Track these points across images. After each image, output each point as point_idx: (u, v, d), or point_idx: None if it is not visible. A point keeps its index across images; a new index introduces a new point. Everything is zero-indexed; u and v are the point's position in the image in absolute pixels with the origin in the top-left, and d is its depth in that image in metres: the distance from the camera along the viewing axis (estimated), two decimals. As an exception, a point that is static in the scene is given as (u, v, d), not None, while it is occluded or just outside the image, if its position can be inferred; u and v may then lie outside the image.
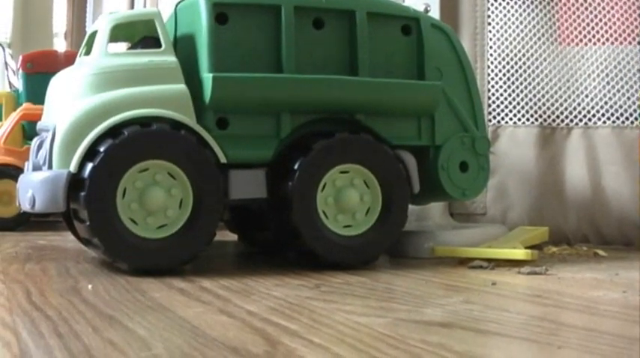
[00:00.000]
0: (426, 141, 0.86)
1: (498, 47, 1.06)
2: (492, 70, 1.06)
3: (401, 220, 0.83)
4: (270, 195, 0.80)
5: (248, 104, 0.79)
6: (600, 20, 1.03)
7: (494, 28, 1.07)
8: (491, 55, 1.06)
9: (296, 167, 0.79)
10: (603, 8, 1.03)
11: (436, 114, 0.86)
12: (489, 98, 1.07)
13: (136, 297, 0.63)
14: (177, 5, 0.84)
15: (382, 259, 0.91)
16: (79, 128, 0.75)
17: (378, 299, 0.63)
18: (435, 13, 1.05)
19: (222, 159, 0.77)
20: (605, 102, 1.02)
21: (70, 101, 0.77)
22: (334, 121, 0.83)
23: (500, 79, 1.06)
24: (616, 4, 1.03)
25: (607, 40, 1.03)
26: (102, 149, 0.73)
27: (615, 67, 1.02)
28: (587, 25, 1.04)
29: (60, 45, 3.06)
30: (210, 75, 0.77)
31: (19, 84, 1.68)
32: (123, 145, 0.74)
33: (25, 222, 1.35)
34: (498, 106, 1.06)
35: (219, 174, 0.77)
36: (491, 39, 1.07)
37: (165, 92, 0.77)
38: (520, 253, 0.82)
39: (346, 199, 0.81)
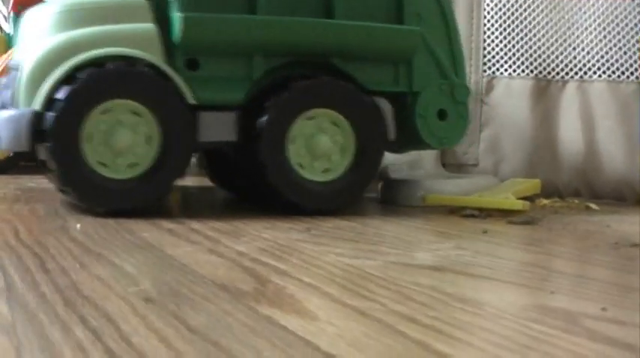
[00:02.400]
0: (404, 87, 0.85)
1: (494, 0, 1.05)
2: (489, 20, 1.05)
3: (375, 164, 0.82)
4: (240, 139, 0.78)
5: (219, 45, 0.77)
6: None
7: (491, -21, 1.05)
8: (487, 5, 1.05)
9: (267, 105, 0.78)
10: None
11: (414, 60, 0.84)
12: (485, 48, 1.05)
13: (124, 236, 0.63)
14: None
15: (374, 206, 0.91)
16: (42, 68, 0.74)
17: (368, 243, 0.63)
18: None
19: (191, 100, 0.76)
20: (602, 56, 1.01)
21: (37, 39, 0.76)
22: (310, 65, 0.81)
23: (497, 29, 1.05)
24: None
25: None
26: (60, 96, 0.72)
27: (613, 20, 1.01)
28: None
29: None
30: (180, 14, 0.75)
31: (9, 28, 1.66)
32: (80, 90, 0.72)
33: (14, 165, 1.34)
34: (494, 57, 1.05)
35: (187, 112, 0.75)
36: (487, -10, 1.05)
37: (132, 31, 0.76)
38: (512, 203, 0.82)
39: (318, 144, 0.79)
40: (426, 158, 1.04)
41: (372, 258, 0.56)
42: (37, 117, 0.72)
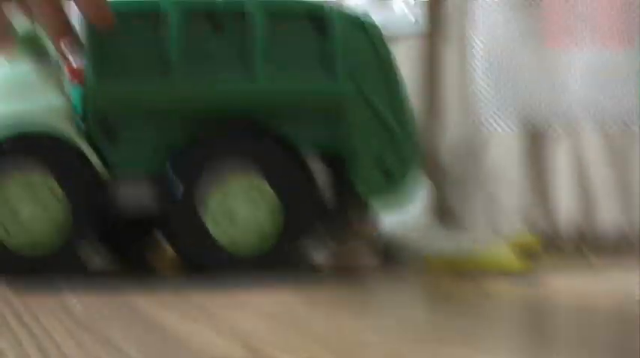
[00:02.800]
0: (340, 146, 0.80)
1: (485, 52, 1.05)
2: (479, 75, 1.05)
3: (301, 243, 0.78)
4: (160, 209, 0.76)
5: (131, 113, 0.76)
6: (587, 23, 1.03)
7: (480, 33, 1.06)
8: (478, 60, 1.05)
9: (189, 169, 0.76)
10: (589, 10, 1.03)
11: (352, 116, 0.80)
12: (477, 104, 1.06)
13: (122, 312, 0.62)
14: None
15: (374, 267, 0.90)
16: None
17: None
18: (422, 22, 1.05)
19: (104, 174, 0.75)
20: (595, 106, 1.01)
21: None
22: (236, 127, 0.78)
23: (488, 84, 1.05)
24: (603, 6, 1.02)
25: (594, 43, 1.03)
26: None
27: (605, 70, 1.01)
28: (574, 27, 1.03)
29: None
30: (89, 85, 0.75)
31: None
32: None
33: None
34: (486, 112, 1.05)
35: (98, 188, 0.74)
36: (477, 43, 1.06)
37: (42, 104, 0.75)
38: (515, 264, 0.81)
39: (237, 214, 0.76)
40: (417, 215, 1.03)
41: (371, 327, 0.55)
42: None
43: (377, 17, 1.04)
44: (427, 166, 1.05)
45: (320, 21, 0.80)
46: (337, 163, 0.80)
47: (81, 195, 0.73)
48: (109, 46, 0.76)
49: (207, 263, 0.75)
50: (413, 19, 1.05)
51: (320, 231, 0.80)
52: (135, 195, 0.75)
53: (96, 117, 0.75)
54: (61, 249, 0.73)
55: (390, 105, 0.81)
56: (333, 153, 0.80)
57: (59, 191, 0.73)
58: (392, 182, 0.81)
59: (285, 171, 0.77)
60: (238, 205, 0.76)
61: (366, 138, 0.80)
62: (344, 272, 0.89)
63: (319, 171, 0.79)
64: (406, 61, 1.06)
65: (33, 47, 0.80)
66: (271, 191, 0.76)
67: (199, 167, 0.75)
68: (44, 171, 0.73)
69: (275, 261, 0.77)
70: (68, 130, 0.74)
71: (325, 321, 0.58)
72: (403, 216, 0.98)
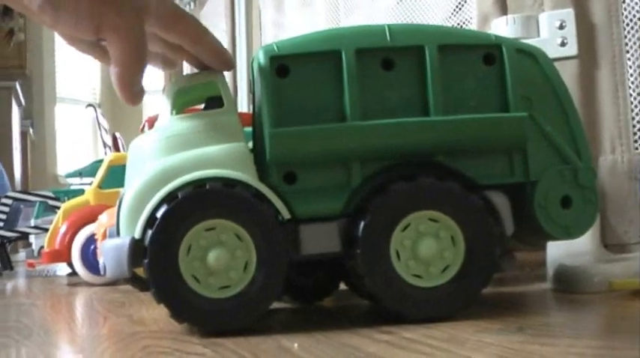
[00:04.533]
0: (519, 177, 0.79)
1: (639, 74, 1.05)
2: (635, 98, 1.05)
3: (483, 278, 0.77)
4: (344, 249, 0.77)
5: (310, 157, 0.77)
6: None
7: (632, 55, 1.06)
8: (632, 82, 1.05)
9: (369, 208, 0.76)
10: None
11: (529, 147, 0.79)
12: (634, 126, 1.05)
13: (354, 354, 0.63)
14: (252, 59, 0.82)
15: (551, 296, 0.90)
16: (141, 195, 0.76)
17: (595, 339, 0.63)
18: (572, 45, 1.05)
19: (286, 215, 0.76)
20: None
21: (140, 167, 0.79)
22: (413, 165, 0.79)
23: (642, 106, 1.05)
24: None
25: None
26: (158, 215, 0.75)
27: None
28: None
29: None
30: (268, 131, 0.76)
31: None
32: (177, 209, 0.75)
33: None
34: (644, 134, 1.05)
35: (280, 230, 0.76)
36: (630, 66, 1.05)
37: (222, 151, 0.77)
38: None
39: (423, 248, 0.76)
40: (586, 242, 1.03)
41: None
42: (137, 245, 0.75)
43: (525, 41, 1.06)
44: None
45: (491, 49, 0.80)
46: (518, 193, 0.80)
47: (265, 237, 0.75)
48: (292, 90, 0.78)
49: (391, 299, 0.75)
50: (560, 42, 1.05)
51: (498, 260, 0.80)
52: (318, 234, 0.77)
53: (274, 161, 0.77)
54: (246, 292, 0.75)
55: (567, 133, 0.81)
56: (513, 184, 0.80)
57: (244, 234, 0.75)
58: (572, 210, 0.80)
59: (468, 210, 0.76)
60: (426, 239, 0.76)
61: (543, 168, 0.80)
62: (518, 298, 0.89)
63: (500, 202, 0.78)
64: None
65: (205, 96, 0.83)
66: (453, 223, 0.76)
67: (387, 205, 0.76)
68: (225, 216, 0.75)
69: (457, 291, 0.76)
70: (246, 174, 0.76)
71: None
72: (569, 243, 0.98)
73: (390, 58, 0.79)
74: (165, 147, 0.79)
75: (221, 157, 0.77)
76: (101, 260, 0.81)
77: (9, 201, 2.11)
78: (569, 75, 1.06)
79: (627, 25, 1.06)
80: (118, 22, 0.74)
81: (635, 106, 1.05)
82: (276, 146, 0.76)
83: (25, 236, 2.12)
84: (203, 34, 0.80)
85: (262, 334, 0.74)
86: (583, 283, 0.90)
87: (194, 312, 0.75)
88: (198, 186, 0.75)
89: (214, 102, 0.81)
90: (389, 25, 0.80)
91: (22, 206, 2.18)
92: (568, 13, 1.05)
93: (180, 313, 0.75)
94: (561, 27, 1.05)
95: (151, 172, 0.77)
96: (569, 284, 0.91)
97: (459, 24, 1.36)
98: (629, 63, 1.06)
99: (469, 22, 1.33)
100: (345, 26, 0.84)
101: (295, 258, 0.77)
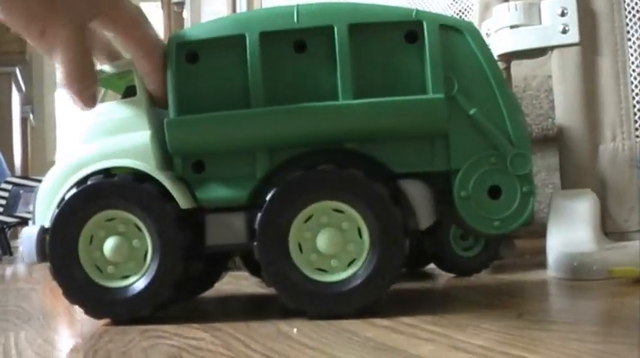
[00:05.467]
0: (440, 165, 0.73)
1: (640, 62, 1.05)
2: (636, 86, 1.05)
3: (391, 273, 0.72)
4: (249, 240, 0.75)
5: (213, 145, 0.75)
6: None
7: (634, 43, 1.05)
8: (633, 70, 1.05)
9: (266, 200, 0.73)
10: None
11: (451, 132, 0.73)
12: (635, 114, 1.05)
13: (352, 339, 0.63)
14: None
15: (550, 283, 0.90)
16: (53, 184, 0.78)
17: (595, 325, 0.63)
18: (574, 32, 1.04)
19: (184, 205, 0.75)
20: None
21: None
22: (324, 153, 0.74)
23: (644, 94, 1.04)
24: None
25: None
26: (65, 198, 0.76)
27: None
28: None
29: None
30: (166, 119, 0.75)
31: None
32: (82, 195, 0.75)
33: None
34: (645, 122, 1.05)
35: (178, 220, 0.74)
36: (632, 54, 1.05)
37: (127, 141, 0.77)
38: None
39: (322, 241, 0.73)
40: (587, 229, 1.02)
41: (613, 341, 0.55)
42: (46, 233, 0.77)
43: (526, 28, 1.06)
44: (589, 178, 1.05)
45: (413, 26, 0.74)
46: (439, 181, 0.74)
47: (159, 226, 0.74)
48: (199, 77, 0.76)
49: (288, 293, 0.73)
50: (561, 29, 1.05)
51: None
52: (223, 225, 0.75)
53: (174, 150, 0.75)
54: (143, 280, 0.75)
55: (496, 115, 0.73)
56: (433, 171, 0.74)
57: (141, 224, 0.75)
58: (502, 201, 0.73)
59: (372, 200, 0.71)
60: (321, 232, 0.73)
61: (467, 154, 0.73)
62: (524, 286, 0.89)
63: (418, 190, 0.73)
64: (558, 71, 1.07)
65: (121, 85, 0.82)
66: (357, 216, 0.72)
67: (283, 195, 0.73)
68: (127, 207, 0.75)
69: (364, 286, 0.72)
70: (151, 165, 0.75)
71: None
72: (569, 230, 0.98)
73: (303, 40, 0.75)
74: (85, 135, 0.79)
75: (126, 146, 0.77)
76: (20, 247, 0.82)
77: (8, 187, 2.11)
78: (570, 62, 1.06)
79: (629, 12, 1.06)
80: (59, 30, 0.72)
81: (637, 94, 1.05)
82: (175, 135, 0.75)
83: (24, 221, 2.12)
84: (136, 27, 0.76)
85: (261, 319, 0.74)
86: (583, 270, 0.90)
87: (84, 296, 0.76)
88: (99, 176, 0.76)
89: (132, 91, 0.79)
90: (298, 6, 0.75)
91: (21, 191, 2.18)
92: (570, 1, 1.05)
93: (72, 294, 0.76)
94: (563, 14, 1.05)
95: (60, 163, 0.78)
96: (568, 272, 0.91)
97: (459, 11, 1.36)
98: (631, 51, 1.05)
99: (470, 9, 1.33)
100: (258, 9, 0.81)
101: (200, 249, 0.75)
